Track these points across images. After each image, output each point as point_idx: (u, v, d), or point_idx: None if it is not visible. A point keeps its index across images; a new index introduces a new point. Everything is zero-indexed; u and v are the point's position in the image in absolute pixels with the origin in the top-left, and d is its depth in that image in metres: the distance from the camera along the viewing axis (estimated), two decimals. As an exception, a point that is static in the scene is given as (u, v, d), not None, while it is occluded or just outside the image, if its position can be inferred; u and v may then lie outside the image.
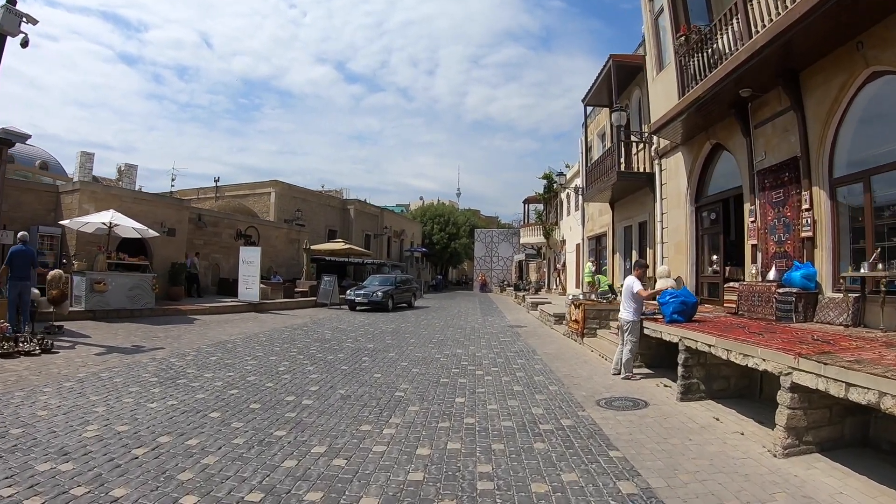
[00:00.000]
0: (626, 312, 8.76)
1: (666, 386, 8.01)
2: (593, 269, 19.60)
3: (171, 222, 22.05)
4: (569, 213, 27.98)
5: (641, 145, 15.62)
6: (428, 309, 24.15)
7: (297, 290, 25.58)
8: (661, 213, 14.35)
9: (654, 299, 9.30)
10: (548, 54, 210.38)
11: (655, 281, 14.70)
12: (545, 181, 31.78)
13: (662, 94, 13.24)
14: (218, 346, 10.92)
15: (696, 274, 12.99)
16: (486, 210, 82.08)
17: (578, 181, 24.54)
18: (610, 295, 13.72)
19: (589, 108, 20.15)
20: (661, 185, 14.46)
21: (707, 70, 10.67)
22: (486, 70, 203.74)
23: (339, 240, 31.25)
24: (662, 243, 14.28)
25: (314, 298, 23.97)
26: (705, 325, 7.84)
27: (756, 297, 9.33)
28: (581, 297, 14.23)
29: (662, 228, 14.29)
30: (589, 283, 19.42)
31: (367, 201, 45.67)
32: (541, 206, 35.91)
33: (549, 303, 21.64)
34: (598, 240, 21.71)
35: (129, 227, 16.84)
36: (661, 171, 14.55)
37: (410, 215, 61.45)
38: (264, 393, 7.06)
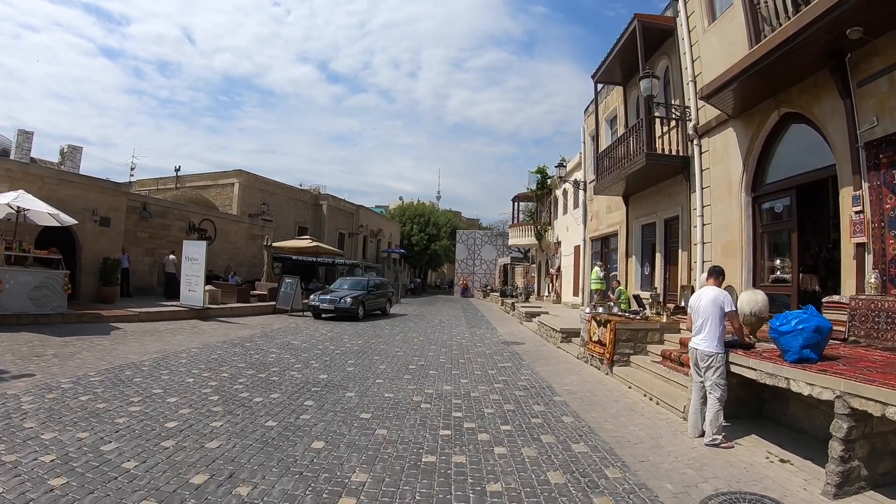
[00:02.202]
0: (707, 341, 5.75)
1: (783, 461, 5.01)
2: (601, 274, 16.61)
3: (104, 210, 18.57)
4: (565, 212, 24.97)
5: (673, 124, 12.64)
6: (405, 317, 20.92)
7: (253, 293, 22.21)
8: (702, 206, 11.42)
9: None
10: (530, 60, 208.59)
11: (691, 292, 11.75)
12: (538, 175, 28.69)
13: (720, 47, 10.33)
14: (109, 375, 7.64)
15: (752, 283, 10.07)
16: (467, 213, 78.87)
17: (579, 174, 21.60)
18: (642, 310, 10.69)
19: (600, 86, 17.16)
20: (702, 170, 11.54)
21: (793, 6, 7.86)
22: (467, 73, 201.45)
23: (307, 237, 27.82)
24: (703, 244, 11.34)
25: (274, 303, 20.61)
26: (853, 366, 4.82)
27: (884, 317, 6.41)
28: (601, 309, 11.18)
29: (703, 225, 11.36)
30: (596, 290, 16.50)
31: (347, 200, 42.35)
32: (532, 204, 32.85)
33: (547, 313, 18.62)
34: (604, 241, 18.72)
35: (41, 211, 13.59)
36: (701, 153, 11.62)
37: (389, 215, 58.06)
38: (106, 491, 3.86)
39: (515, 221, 34.04)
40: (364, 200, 46.54)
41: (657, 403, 7.29)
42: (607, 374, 9.27)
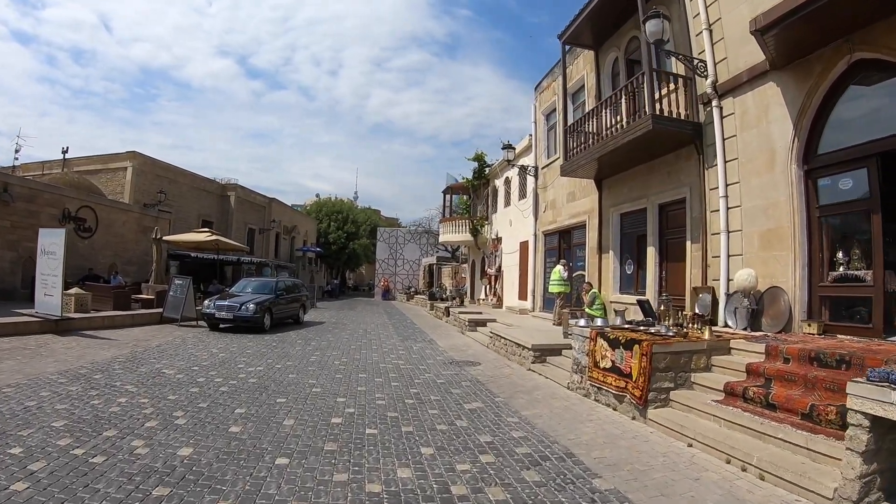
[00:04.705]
0: None
1: None
2: (564, 274, 13.76)
3: (-58, 188, 13.90)
4: (507, 204, 21.98)
5: (673, 86, 9.86)
6: (322, 327, 17.21)
7: (137, 297, 17.82)
8: (725, 185, 8.69)
9: None
10: (452, 62, 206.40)
11: (710, 296, 8.99)
12: (475, 163, 25.50)
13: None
14: None
15: (808, 282, 7.42)
16: (386, 213, 74.88)
17: (527, 160, 18.71)
18: (652, 321, 7.76)
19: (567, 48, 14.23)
20: (724, 139, 8.81)
21: None
22: (389, 74, 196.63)
23: (205, 230, 23.46)
24: (728, 233, 8.60)
25: (161, 311, 16.34)
26: None
27: None
28: (599, 322, 8.18)
29: (728, 209, 8.61)
30: (559, 293, 13.67)
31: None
32: (465, 197, 29.66)
33: (494, 320, 15.56)
34: (563, 234, 15.83)
35: None
36: (722, 116, 8.89)
37: (305, 211, 53.48)
38: None
39: (447, 215, 30.65)
40: (281, 199, 42.01)
41: (762, 478, 4.39)
42: (634, 418, 6.22)
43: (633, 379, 6.24)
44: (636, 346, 6.28)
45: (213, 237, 21.02)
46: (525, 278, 18.76)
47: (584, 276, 13.70)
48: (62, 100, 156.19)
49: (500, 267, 22.50)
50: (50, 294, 12.80)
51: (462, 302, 24.54)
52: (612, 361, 6.72)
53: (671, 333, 6.78)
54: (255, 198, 37.00)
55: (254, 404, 6.40)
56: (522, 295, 19.10)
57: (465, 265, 31.25)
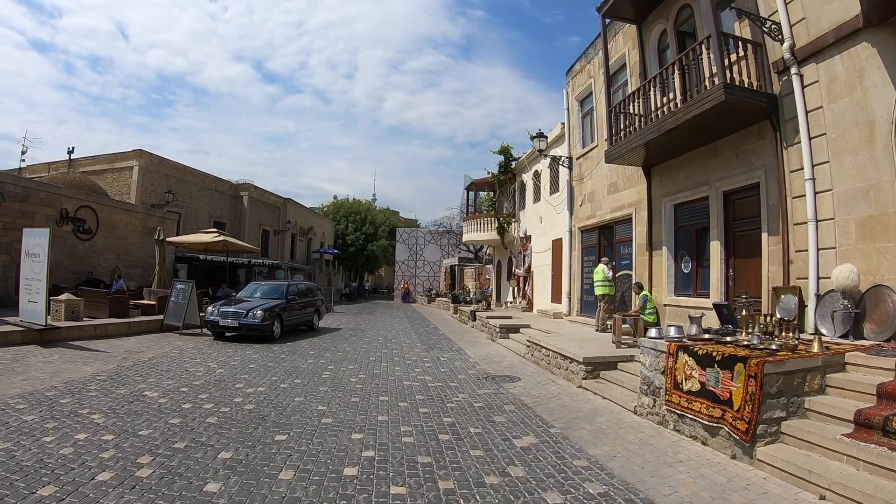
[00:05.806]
0: None
1: None
2: (609, 273, 12.35)
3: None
4: (537, 199, 20.50)
5: (745, 51, 8.41)
6: (338, 334, 15.92)
7: (136, 303, 16.66)
8: (812, 166, 7.25)
9: None
10: (467, 63, 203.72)
11: (798, 297, 7.54)
12: (501, 156, 23.98)
13: None
14: None
15: (923, 280, 5.97)
16: (404, 215, 73.14)
17: (560, 150, 17.29)
18: (730, 329, 6.35)
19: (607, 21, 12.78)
20: (807, 112, 7.37)
21: None
22: (404, 76, 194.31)
23: (213, 230, 22.25)
24: (816, 222, 7.16)
25: (162, 318, 15.16)
26: None
27: None
28: (692, 331, 6.78)
29: (815, 193, 7.18)
30: (603, 295, 12.27)
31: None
32: (490, 194, 28.15)
33: (528, 326, 14.31)
34: (604, 230, 14.35)
35: None
36: (803, 86, 7.46)
37: (322, 212, 52.37)
38: None
39: (471, 212, 29.05)
40: (298, 202, 40.90)
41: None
42: (735, 456, 4.82)
43: (735, 408, 4.83)
44: (739, 365, 4.87)
45: (221, 238, 19.81)
46: (559, 279, 17.32)
47: (630, 275, 12.26)
48: (80, 107, 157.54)
49: (529, 267, 21.03)
50: (34, 300, 11.69)
51: (489, 305, 23.15)
52: (702, 383, 5.32)
53: (774, 347, 5.36)
54: (270, 198, 35.93)
55: (245, 444, 5.07)
56: (556, 297, 17.66)
57: (489, 266, 29.80)
